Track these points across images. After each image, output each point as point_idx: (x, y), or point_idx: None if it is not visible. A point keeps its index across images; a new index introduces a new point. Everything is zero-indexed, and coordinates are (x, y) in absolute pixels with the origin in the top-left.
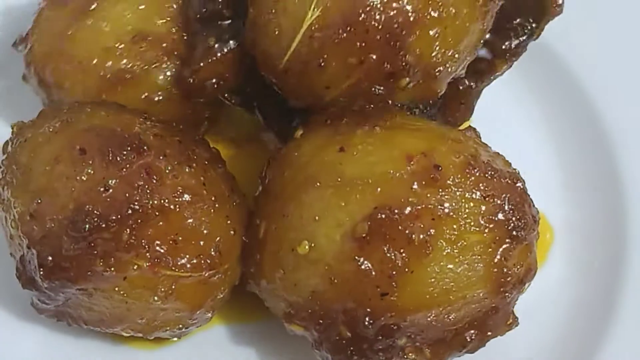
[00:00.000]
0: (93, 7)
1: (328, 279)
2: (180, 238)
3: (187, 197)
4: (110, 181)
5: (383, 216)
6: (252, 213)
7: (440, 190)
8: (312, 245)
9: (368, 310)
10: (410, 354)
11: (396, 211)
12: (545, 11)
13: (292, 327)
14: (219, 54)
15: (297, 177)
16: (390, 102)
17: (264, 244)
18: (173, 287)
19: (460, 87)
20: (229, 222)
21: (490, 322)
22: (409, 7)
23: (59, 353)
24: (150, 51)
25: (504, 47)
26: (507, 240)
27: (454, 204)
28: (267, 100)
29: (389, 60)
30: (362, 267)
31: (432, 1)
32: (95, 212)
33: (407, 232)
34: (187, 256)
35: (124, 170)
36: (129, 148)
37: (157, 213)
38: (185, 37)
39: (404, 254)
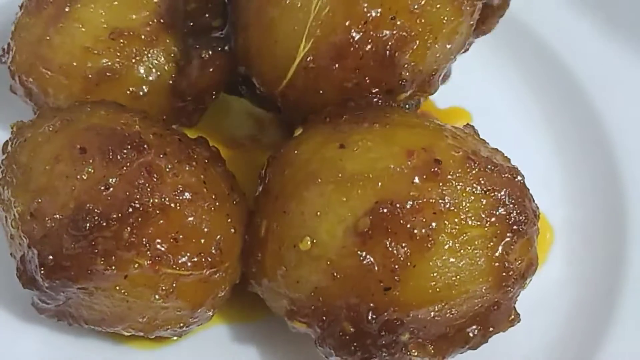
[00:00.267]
0: (67, 9)
1: (330, 274)
2: (180, 236)
3: (187, 195)
4: (110, 180)
5: (385, 211)
6: (253, 213)
7: (441, 184)
8: (314, 241)
9: (371, 305)
10: (413, 350)
11: (398, 205)
12: None
13: (295, 325)
14: (212, 67)
15: (298, 174)
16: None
17: (265, 242)
18: (174, 285)
19: None
20: (229, 220)
21: (492, 317)
22: (398, 28)
23: (59, 353)
24: (129, 46)
25: None
26: (508, 234)
27: (454, 198)
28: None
29: (386, 80)
30: (365, 262)
31: (419, 16)
32: (95, 210)
33: (408, 226)
34: (188, 254)
35: (125, 168)
36: (129, 147)
37: (157, 211)
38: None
39: (406, 248)
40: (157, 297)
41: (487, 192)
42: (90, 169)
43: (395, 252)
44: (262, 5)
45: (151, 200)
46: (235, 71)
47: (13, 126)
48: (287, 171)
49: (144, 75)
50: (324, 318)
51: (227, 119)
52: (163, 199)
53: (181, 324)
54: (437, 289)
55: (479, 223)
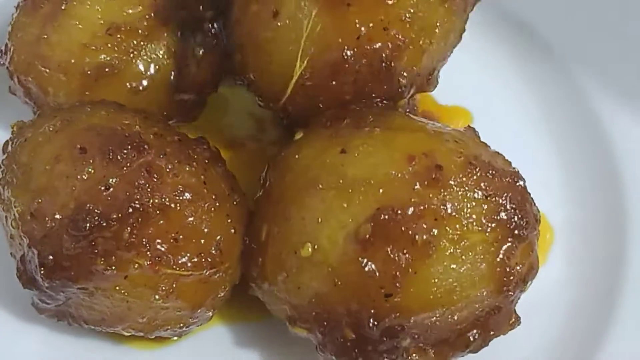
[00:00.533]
0: (64, 7)
1: (331, 281)
2: (181, 237)
3: (187, 195)
4: (110, 180)
5: (386, 217)
6: (254, 216)
7: (442, 190)
8: (315, 247)
9: (372, 311)
10: (414, 355)
11: (399, 212)
12: None
13: (296, 330)
14: (207, 63)
15: (299, 180)
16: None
17: (266, 247)
18: (174, 285)
19: None
20: (229, 220)
21: (493, 321)
22: (391, 38)
23: (59, 353)
24: (126, 41)
25: None
26: (509, 239)
27: (456, 204)
28: None
29: (384, 89)
30: (366, 268)
31: (412, 23)
32: (96, 211)
33: (410, 232)
34: (188, 255)
35: (125, 169)
36: (129, 147)
37: (157, 212)
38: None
39: (407, 255)
40: (157, 297)
41: (489, 197)
42: (90, 169)
43: (396, 258)
44: (254, 27)
45: (151, 201)
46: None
47: (13, 126)
48: (287, 176)
49: (143, 70)
50: (325, 324)
51: (227, 118)
52: (163, 199)
53: (181, 324)
54: (439, 295)
55: (480, 228)
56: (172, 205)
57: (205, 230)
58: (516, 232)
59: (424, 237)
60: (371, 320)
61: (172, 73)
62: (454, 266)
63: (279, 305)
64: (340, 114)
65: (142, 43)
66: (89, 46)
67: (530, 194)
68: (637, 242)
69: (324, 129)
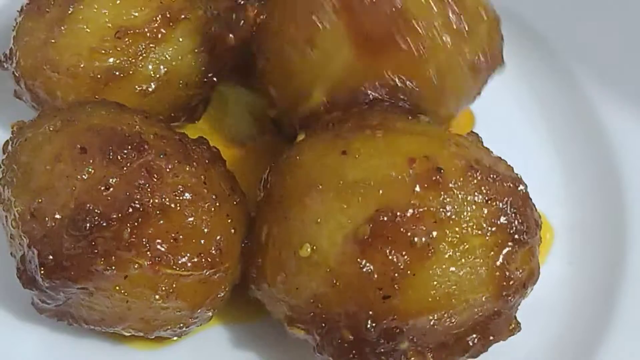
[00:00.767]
0: (70, 11)
1: (330, 281)
2: (181, 237)
3: (187, 195)
4: (111, 180)
5: (385, 219)
6: (255, 218)
7: (442, 193)
8: (314, 248)
9: (370, 313)
10: (412, 358)
11: (398, 214)
12: None
13: (294, 331)
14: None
15: (299, 181)
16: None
17: (266, 247)
18: (174, 285)
19: None
20: (229, 220)
21: (492, 326)
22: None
23: (59, 353)
24: (135, 44)
25: None
26: (509, 243)
27: (456, 207)
28: None
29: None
30: (364, 269)
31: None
32: (96, 210)
33: (409, 234)
34: (188, 255)
35: (125, 169)
36: (129, 147)
37: (157, 212)
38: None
39: (406, 257)
40: (156, 297)
41: (489, 201)
42: (90, 169)
43: (395, 260)
44: (286, 46)
45: (151, 201)
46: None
47: (13, 126)
48: (288, 177)
49: (152, 72)
50: (323, 325)
51: (227, 118)
52: (163, 199)
53: (181, 324)
54: (437, 298)
55: (480, 232)
56: (172, 205)
57: (205, 230)
58: (516, 236)
59: (423, 239)
60: (369, 322)
61: (201, 55)
62: (452, 269)
63: (278, 306)
64: (343, 117)
65: (150, 45)
66: (98, 50)
67: (531, 200)
68: (637, 242)
69: (326, 130)
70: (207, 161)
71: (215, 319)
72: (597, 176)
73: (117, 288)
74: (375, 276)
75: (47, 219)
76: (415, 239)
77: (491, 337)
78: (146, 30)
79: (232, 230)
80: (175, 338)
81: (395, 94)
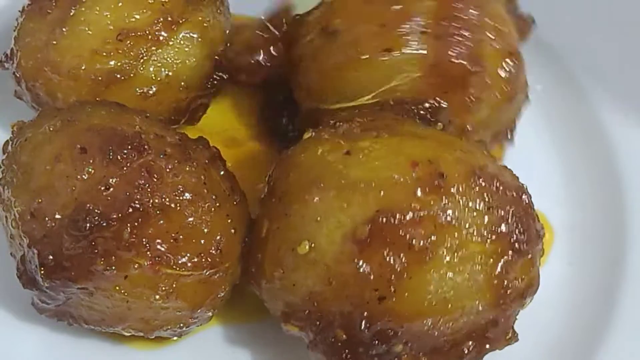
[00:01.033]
0: (72, 13)
1: (326, 280)
2: (181, 237)
3: (187, 195)
4: (111, 180)
5: (384, 220)
6: (256, 217)
7: (444, 198)
8: (312, 245)
9: (365, 314)
10: None
11: (398, 216)
12: None
13: (288, 327)
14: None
15: (302, 178)
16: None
17: (266, 243)
18: (174, 285)
19: None
20: (229, 221)
21: (489, 335)
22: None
23: (59, 353)
24: (136, 46)
25: None
26: (509, 252)
27: (456, 213)
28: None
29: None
30: (361, 269)
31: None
32: (96, 210)
33: (407, 237)
34: (188, 255)
35: (125, 169)
36: (129, 147)
37: (158, 212)
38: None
39: (403, 259)
40: (157, 297)
41: (491, 209)
42: (90, 169)
43: (392, 262)
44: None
45: (151, 201)
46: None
47: (14, 126)
48: (292, 174)
49: (153, 75)
50: (318, 323)
51: (227, 118)
52: (163, 200)
53: (181, 324)
54: (433, 302)
55: (479, 239)
56: (172, 205)
57: (205, 230)
58: (517, 246)
59: (422, 242)
60: (363, 323)
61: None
62: (450, 275)
63: (275, 302)
64: (351, 117)
65: (152, 48)
66: (100, 52)
67: (534, 210)
68: (637, 242)
69: (332, 130)
70: (206, 161)
71: (215, 319)
72: (597, 176)
73: (117, 288)
74: (372, 277)
75: (47, 219)
76: (414, 242)
77: (487, 346)
78: (148, 32)
79: (232, 231)
80: (175, 338)
81: (432, 112)
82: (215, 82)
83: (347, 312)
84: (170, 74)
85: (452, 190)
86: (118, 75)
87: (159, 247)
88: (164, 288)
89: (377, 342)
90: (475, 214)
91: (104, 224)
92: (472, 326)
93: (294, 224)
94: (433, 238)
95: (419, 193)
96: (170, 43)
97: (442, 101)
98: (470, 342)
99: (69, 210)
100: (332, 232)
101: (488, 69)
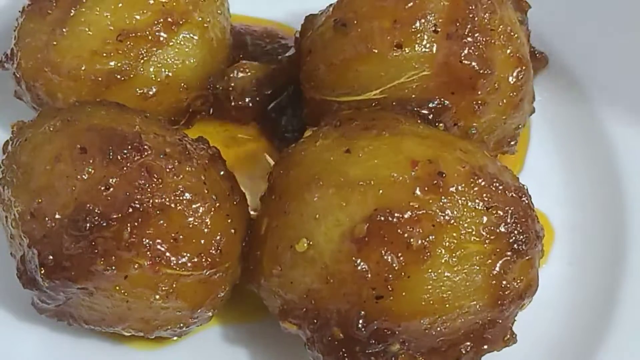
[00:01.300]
0: (72, 13)
1: (324, 278)
2: (181, 237)
3: (188, 196)
4: (111, 180)
5: (382, 219)
6: (257, 212)
7: (443, 197)
8: (310, 243)
9: (362, 312)
10: None
11: (396, 215)
12: None
13: (286, 325)
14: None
15: (301, 176)
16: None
17: (265, 240)
18: (174, 285)
19: None
20: (229, 220)
21: (486, 335)
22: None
23: (59, 353)
24: (136, 47)
25: None
26: (507, 253)
27: (455, 212)
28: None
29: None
30: (359, 268)
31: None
32: (96, 210)
33: (405, 236)
34: (188, 255)
35: (125, 169)
36: (129, 147)
37: (158, 212)
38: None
39: (401, 258)
40: (157, 297)
41: (490, 209)
42: (90, 169)
43: (390, 261)
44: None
45: (151, 201)
46: None
47: (13, 126)
48: (292, 172)
49: (153, 76)
50: (315, 321)
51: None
52: (163, 200)
53: (181, 324)
54: (431, 302)
55: (478, 239)
56: (173, 205)
57: (206, 230)
58: (515, 246)
59: (420, 242)
60: (360, 322)
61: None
62: (448, 274)
63: (273, 299)
64: (351, 115)
65: (152, 49)
66: (100, 53)
67: (534, 211)
68: (637, 242)
69: (333, 128)
70: (207, 161)
71: (215, 319)
72: (597, 176)
73: (117, 288)
74: (369, 276)
75: (47, 219)
76: (412, 241)
77: (485, 347)
78: (148, 33)
79: (232, 230)
80: (175, 338)
81: (436, 113)
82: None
83: (344, 311)
84: (170, 74)
85: (451, 189)
86: (118, 76)
87: (159, 247)
88: (164, 288)
89: (373, 341)
90: (474, 213)
91: (104, 224)
92: (470, 326)
93: (293, 221)
94: (431, 237)
95: (417, 192)
96: (171, 44)
97: (447, 102)
98: (468, 343)
99: (69, 210)
100: (331, 230)
101: (497, 73)
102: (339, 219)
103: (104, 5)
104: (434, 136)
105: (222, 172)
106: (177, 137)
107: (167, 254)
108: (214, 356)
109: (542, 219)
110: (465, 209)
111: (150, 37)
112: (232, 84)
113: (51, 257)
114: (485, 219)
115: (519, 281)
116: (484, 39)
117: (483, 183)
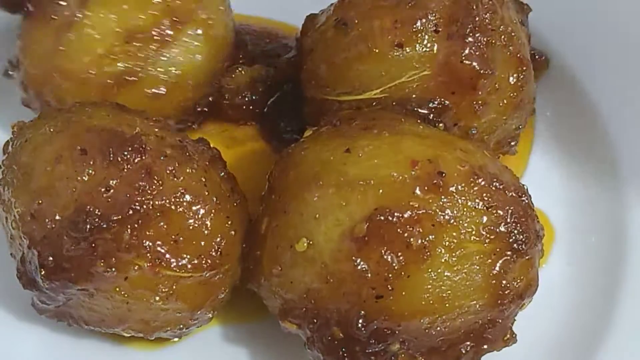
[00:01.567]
0: (77, 18)
1: (324, 277)
2: (181, 238)
3: (188, 197)
4: (111, 181)
5: (382, 218)
6: (258, 212)
7: (442, 197)
8: (310, 242)
9: (362, 312)
10: None
11: (396, 214)
12: None
13: (286, 325)
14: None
15: (301, 175)
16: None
17: (265, 240)
18: (174, 287)
19: None
20: (229, 222)
21: (486, 335)
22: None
23: (59, 353)
24: (144, 47)
25: None
26: (507, 252)
27: (455, 212)
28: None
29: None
30: (359, 267)
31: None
32: (96, 212)
33: (405, 235)
34: (188, 256)
35: (125, 170)
36: (129, 148)
37: (158, 213)
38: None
39: (401, 258)
40: (157, 298)
41: (490, 209)
42: (90, 171)
43: (389, 260)
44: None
45: (152, 202)
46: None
47: (14, 126)
48: (292, 171)
49: (162, 75)
50: (315, 321)
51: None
52: (163, 201)
53: (181, 326)
54: (430, 301)
55: (478, 239)
56: (173, 207)
57: (206, 232)
58: (515, 246)
59: (419, 241)
60: (360, 321)
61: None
62: (448, 274)
63: (273, 299)
64: (351, 115)
65: (160, 49)
66: (108, 55)
67: (534, 211)
68: (637, 242)
69: (333, 128)
70: (207, 162)
71: (215, 319)
72: (597, 176)
73: (117, 289)
74: (369, 275)
75: (47, 220)
76: (412, 241)
77: (484, 346)
78: (154, 33)
79: (232, 232)
80: (175, 339)
81: (436, 113)
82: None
83: (344, 311)
84: (178, 73)
85: (451, 189)
86: (128, 78)
87: (159, 248)
88: (163, 289)
89: (373, 340)
90: (474, 213)
91: (104, 226)
92: (470, 326)
93: (293, 221)
94: (431, 237)
95: (417, 192)
96: (177, 42)
97: (447, 102)
98: (468, 343)
99: (69, 212)
100: (330, 229)
101: (498, 73)
102: (338, 219)
103: (109, 8)
104: (434, 136)
105: (222, 174)
106: (178, 138)
107: (167, 255)
108: (214, 356)
109: (542, 219)
110: (465, 209)
111: (157, 37)
112: (229, 84)
113: (51, 258)
114: (485, 218)
115: (519, 281)
116: (485, 39)
117: (483, 183)
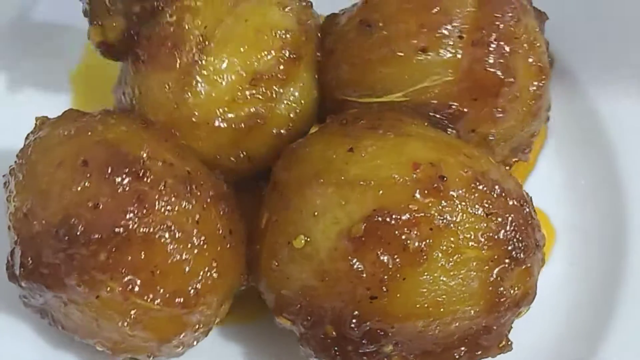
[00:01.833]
0: (200, 64)
1: (320, 275)
2: (158, 271)
3: (174, 232)
4: (101, 198)
5: (380, 219)
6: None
7: (442, 201)
8: (308, 240)
9: (355, 312)
10: None
11: (394, 216)
12: None
13: (280, 320)
14: None
15: (303, 172)
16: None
17: (264, 235)
18: (143, 316)
19: None
20: (214, 264)
21: (481, 341)
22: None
23: (59, 353)
24: (269, 88)
25: None
26: (505, 260)
27: (454, 217)
28: None
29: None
30: (354, 267)
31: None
32: (79, 226)
33: (403, 238)
34: (162, 290)
35: (118, 191)
36: (127, 170)
37: (140, 241)
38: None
39: (397, 260)
40: (124, 324)
41: (489, 216)
42: (86, 183)
43: (385, 262)
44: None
45: (135, 229)
46: None
47: (37, 120)
48: (294, 168)
49: (287, 113)
50: (309, 318)
51: None
52: (148, 230)
53: (149, 354)
54: (425, 305)
55: (476, 245)
56: (156, 237)
57: (186, 269)
58: (513, 254)
59: (416, 244)
60: (353, 321)
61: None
62: (444, 278)
63: (269, 294)
64: (358, 114)
65: (282, 88)
66: (236, 100)
67: (536, 220)
68: (637, 242)
69: (339, 126)
70: (209, 200)
71: None
72: (597, 176)
73: (89, 305)
74: (365, 275)
75: (35, 222)
76: (409, 243)
77: (479, 352)
78: (277, 72)
79: (215, 275)
80: None
81: (452, 119)
82: None
83: (338, 309)
84: (299, 110)
85: (451, 193)
86: (258, 120)
87: (133, 276)
88: (132, 316)
89: (366, 341)
90: (473, 219)
91: (82, 241)
92: (465, 332)
93: (292, 217)
94: (429, 241)
95: (417, 194)
96: (297, 79)
97: (466, 109)
98: (462, 348)
99: (57, 219)
100: (328, 228)
101: (519, 81)
102: (337, 217)
103: (230, 51)
104: (440, 139)
105: (224, 213)
106: (187, 168)
107: (140, 284)
108: (214, 356)
109: (543, 219)
110: (464, 214)
111: (279, 76)
112: None
113: (31, 260)
114: (484, 225)
115: (515, 289)
116: (509, 47)
117: (484, 189)
